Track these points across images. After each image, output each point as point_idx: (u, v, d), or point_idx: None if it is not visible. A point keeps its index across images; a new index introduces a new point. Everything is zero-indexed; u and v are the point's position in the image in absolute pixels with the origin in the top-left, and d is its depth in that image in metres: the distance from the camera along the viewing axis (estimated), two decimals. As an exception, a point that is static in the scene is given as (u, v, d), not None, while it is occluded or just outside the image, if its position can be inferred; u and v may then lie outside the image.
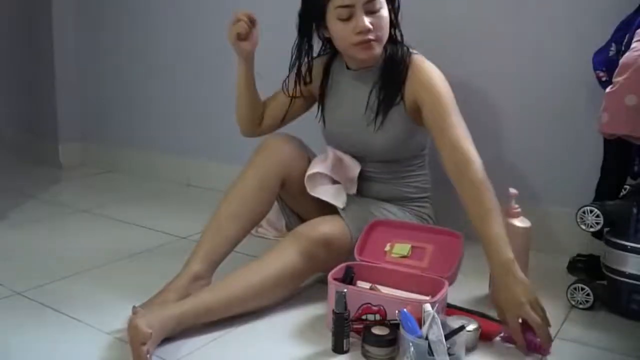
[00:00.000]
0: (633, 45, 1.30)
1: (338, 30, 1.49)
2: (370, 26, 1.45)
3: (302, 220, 1.64)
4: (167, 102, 2.68)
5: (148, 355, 1.15)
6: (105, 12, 2.84)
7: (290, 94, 1.66)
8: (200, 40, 2.50)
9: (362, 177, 1.61)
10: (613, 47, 1.45)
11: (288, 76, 1.67)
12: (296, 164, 1.57)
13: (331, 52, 1.65)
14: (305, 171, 1.55)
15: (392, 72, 1.54)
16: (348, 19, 1.46)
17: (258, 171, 1.53)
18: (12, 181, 2.70)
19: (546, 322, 1.21)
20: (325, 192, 1.55)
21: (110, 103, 2.91)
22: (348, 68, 1.61)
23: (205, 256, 1.44)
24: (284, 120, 1.72)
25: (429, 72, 1.51)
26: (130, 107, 2.84)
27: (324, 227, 1.45)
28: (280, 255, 1.40)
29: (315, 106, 1.72)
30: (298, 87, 1.65)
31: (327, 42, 1.62)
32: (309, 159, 1.60)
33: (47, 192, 2.52)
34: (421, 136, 1.60)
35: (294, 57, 1.62)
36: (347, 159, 1.61)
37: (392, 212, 1.57)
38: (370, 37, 1.47)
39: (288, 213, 1.72)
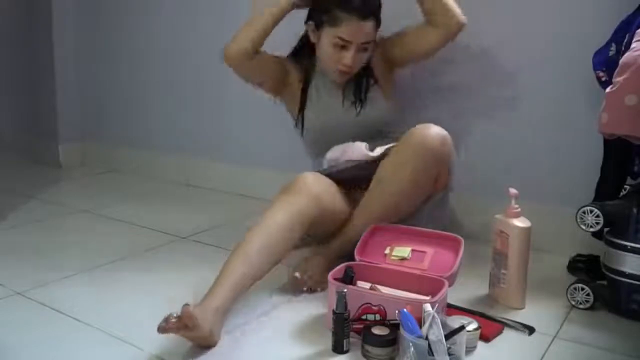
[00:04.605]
0: (633, 45, 1.30)
1: (327, 52, 1.68)
2: (354, 64, 1.66)
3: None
4: (166, 102, 2.68)
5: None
6: (105, 13, 2.84)
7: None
8: (200, 41, 2.50)
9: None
10: (613, 47, 1.45)
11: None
12: (329, 198, 1.56)
13: (309, 57, 1.78)
14: (336, 206, 1.59)
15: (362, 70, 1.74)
16: (341, 48, 1.64)
17: (289, 208, 1.47)
18: (12, 181, 2.70)
19: None
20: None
21: (110, 103, 2.91)
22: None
23: (231, 289, 1.34)
24: (259, 62, 1.75)
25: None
26: (130, 107, 2.84)
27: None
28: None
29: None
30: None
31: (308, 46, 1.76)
32: (339, 192, 1.62)
33: (47, 192, 2.52)
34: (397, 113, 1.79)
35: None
36: (350, 145, 1.68)
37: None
38: (350, 70, 1.68)
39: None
